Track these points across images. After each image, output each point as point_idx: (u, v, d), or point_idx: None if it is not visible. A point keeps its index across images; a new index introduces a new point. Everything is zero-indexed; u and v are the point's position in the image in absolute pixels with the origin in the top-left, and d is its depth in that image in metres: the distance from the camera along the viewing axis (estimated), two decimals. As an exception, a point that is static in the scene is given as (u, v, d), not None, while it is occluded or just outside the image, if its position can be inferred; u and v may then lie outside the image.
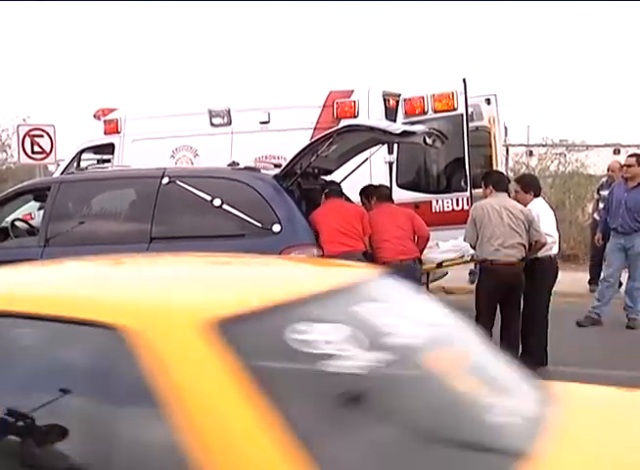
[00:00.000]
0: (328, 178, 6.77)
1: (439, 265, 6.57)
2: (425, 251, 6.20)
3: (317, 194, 6.75)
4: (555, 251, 6.17)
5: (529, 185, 6.24)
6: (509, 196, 6.08)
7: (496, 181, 6.00)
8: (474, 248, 5.94)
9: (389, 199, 6.28)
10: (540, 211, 6.08)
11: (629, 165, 7.72)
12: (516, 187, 6.26)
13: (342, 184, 6.58)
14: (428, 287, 7.13)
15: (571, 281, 8.61)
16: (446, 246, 6.46)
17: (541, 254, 5.95)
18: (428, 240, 6.19)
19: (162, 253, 3.85)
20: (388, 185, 7.11)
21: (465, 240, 6.02)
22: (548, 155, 13.23)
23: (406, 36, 60.56)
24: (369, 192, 6.38)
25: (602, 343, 7.19)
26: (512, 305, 5.86)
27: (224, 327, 1.82)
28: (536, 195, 6.20)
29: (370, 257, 5.88)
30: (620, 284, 8.24)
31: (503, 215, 5.69)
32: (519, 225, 5.69)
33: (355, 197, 6.68)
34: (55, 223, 6.53)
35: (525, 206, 6.02)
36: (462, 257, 6.36)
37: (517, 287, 5.82)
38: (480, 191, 7.97)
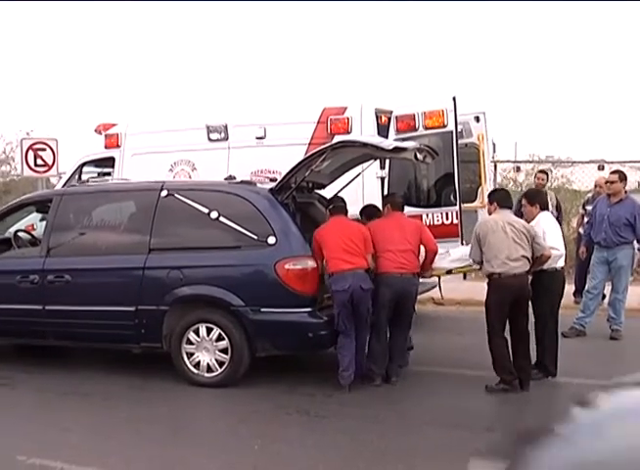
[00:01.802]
0: (332, 194, 6.84)
1: (449, 272, 6.71)
2: (436, 258, 6.30)
3: (311, 207, 6.93)
4: (562, 263, 6.32)
5: (534, 198, 6.44)
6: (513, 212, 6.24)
7: (500, 198, 6.18)
8: (479, 264, 6.09)
9: (402, 209, 6.42)
10: (546, 224, 6.25)
11: (612, 182, 7.92)
12: (523, 201, 6.49)
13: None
14: (441, 291, 7.19)
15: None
16: (457, 254, 6.61)
17: (548, 267, 6.11)
18: (435, 254, 6.26)
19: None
20: (380, 199, 7.16)
21: (469, 256, 6.17)
22: (535, 170, 13.39)
23: (398, 55, 61.01)
24: (384, 199, 6.47)
25: (586, 353, 7.37)
26: (521, 317, 6.01)
27: None
28: (542, 208, 6.38)
29: (372, 273, 6.02)
30: (604, 296, 8.45)
31: (507, 230, 5.88)
32: (522, 239, 5.88)
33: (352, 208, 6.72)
34: (56, 234, 6.73)
35: (532, 218, 6.23)
36: (471, 265, 6.49)
37: (524, 298, 5.99)
38: (469, 205, 8.23)
